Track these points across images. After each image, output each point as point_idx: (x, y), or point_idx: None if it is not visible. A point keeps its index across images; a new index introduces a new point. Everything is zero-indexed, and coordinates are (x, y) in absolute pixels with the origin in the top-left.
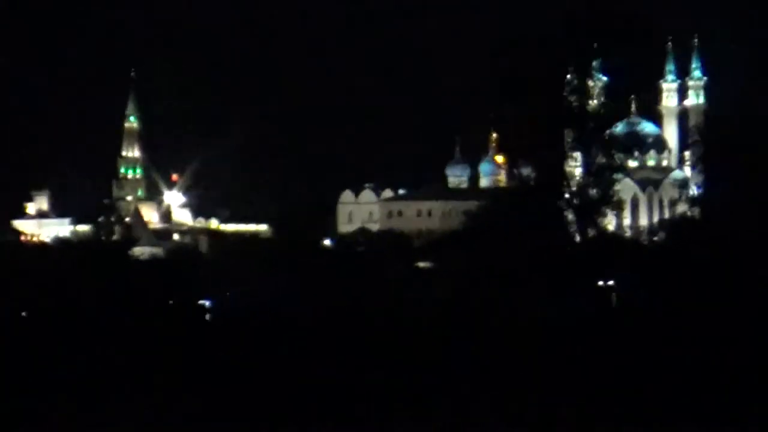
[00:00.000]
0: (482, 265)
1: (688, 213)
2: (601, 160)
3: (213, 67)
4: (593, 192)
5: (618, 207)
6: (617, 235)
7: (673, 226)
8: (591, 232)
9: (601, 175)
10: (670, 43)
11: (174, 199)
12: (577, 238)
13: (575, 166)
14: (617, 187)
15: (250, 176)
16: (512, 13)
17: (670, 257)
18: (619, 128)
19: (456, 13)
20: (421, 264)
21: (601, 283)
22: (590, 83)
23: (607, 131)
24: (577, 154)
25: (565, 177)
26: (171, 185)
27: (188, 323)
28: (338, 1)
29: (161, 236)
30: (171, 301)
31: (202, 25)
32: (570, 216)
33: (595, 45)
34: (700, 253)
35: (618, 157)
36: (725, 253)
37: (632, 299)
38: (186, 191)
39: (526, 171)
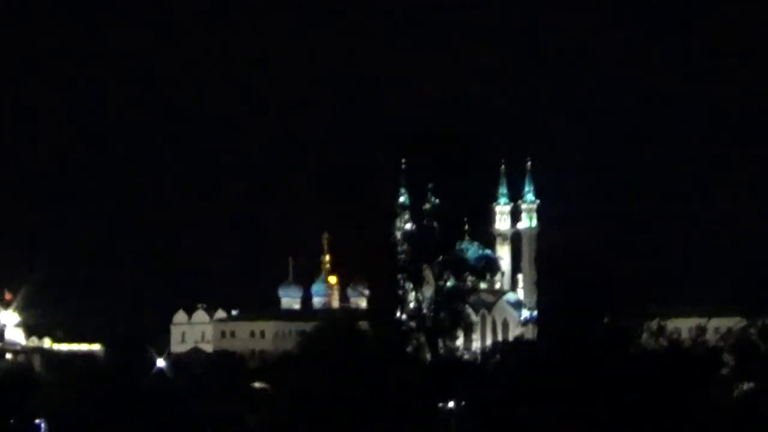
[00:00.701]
0: (316, 390)
1: (522, 335)
2: (449, 284)
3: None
4: (443, 315)
5: (469, 329)
6: (455, 359)
7: (509, 348)
8: (440, 354)
9: (452, 299)
10: (503, 167)
11: (9, 318)
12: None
13: (410, 290)
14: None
15: (84, 296)
16: (343, 137)
17: (508, 380)
18: (453, 251)
19: (288, 137)
20: (257, 385)
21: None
22: (425, 206)
23: (443, 256)
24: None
25: (400, 300)
26: (5, 303)
27: None
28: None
29: None
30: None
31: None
32: (416, 339)
33: (428, 169)
34: (536, 374)
35: (471, 280)
36: (560, 372)
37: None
38: (21, 310)
39: (358, 295)
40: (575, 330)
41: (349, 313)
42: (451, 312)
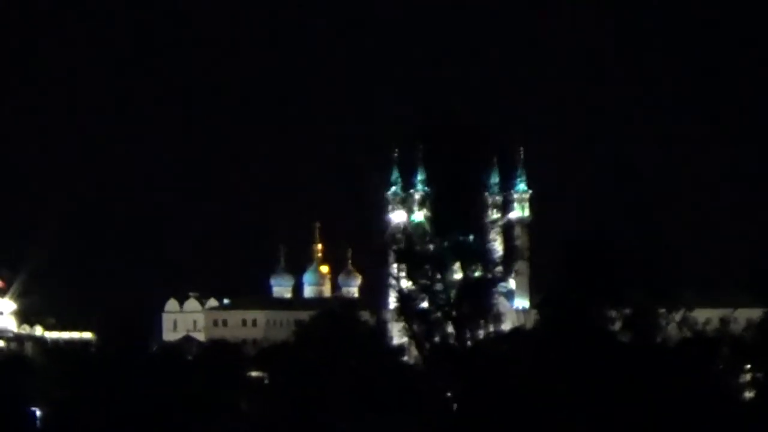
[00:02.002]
0: (313, 379)
1: (523, 325)
2: (474, 273)
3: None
4: (467, 306)
5: (497, 319)
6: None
7: (504, 338)
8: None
9: (478, 289)
10: (494, 156)
11: (5, 306)
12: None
13: (401, 277)
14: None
15: (75, 284)
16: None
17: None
18: (446, 241)
19: (285, 124)
20: (253, 374)
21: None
22: (416, 195)
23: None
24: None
25: (426, 289)
26: (2, 292)
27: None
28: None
29: None
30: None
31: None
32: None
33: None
34: (552, 365)
35: (498, 271)
36: (578, 364)
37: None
38: (17, 298)
39: (349, 285)
40: (593, 320)
41: (345, 302)
42: (476, 303)
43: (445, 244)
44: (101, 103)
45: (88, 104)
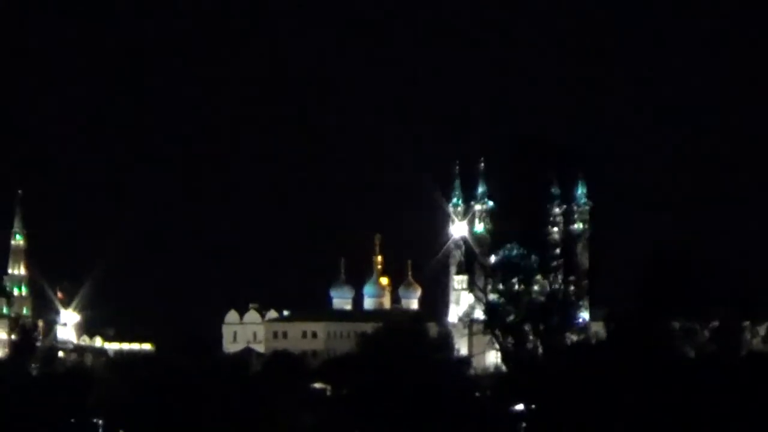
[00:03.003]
0: (377, 391)
1: (587, 337)
2: (555, 286)
3: (97, 187)
4: (556, 317)
5: (584, 331)
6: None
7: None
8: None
9: (561, 302)
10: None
11: (69, 317)
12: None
13: (461, 289)
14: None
15: (135, 295)
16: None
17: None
18: (507, 253)
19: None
20: (317, 385)
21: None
22: (477, 207)
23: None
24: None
25: (514, 302)
26: (63, 304)
27: None
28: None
29: (47, 354)
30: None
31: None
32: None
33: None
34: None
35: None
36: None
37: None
38: (81, 310)
39: (409, 297)
40: (671, 334)
41: (410, 315)
42: (564, 316)
43: (533, 258)
44: (169, 124)
45: (155, 126)
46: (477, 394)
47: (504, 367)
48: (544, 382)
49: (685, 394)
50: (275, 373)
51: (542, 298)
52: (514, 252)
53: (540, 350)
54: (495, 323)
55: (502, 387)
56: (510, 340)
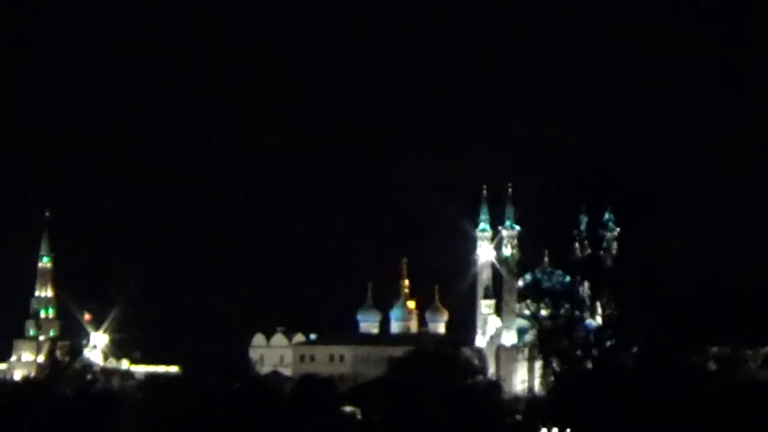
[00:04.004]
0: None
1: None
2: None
3: (124, 209)
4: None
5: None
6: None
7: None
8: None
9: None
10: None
11: (100, 339)
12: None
13: (489, 313)
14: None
15: (161, 318)
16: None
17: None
18: (532, 277)
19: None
20: (347, 409)
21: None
22: (504, 233)
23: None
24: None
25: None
26: (92, 326)
27: None
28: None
29: (72, 377)
30: None
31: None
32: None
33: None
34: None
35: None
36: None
37: None
38: (111, 332)
39: (436, 321)
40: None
41: (436, 339)
42: (619, 340)
43: (585, 284)
44: (197, 148)
45: (182, 150)
46: (509, 418)
47: (541, 391)
48: (591, 406)
49: (737, 422)
50: (306, 396)
51: (593, 323)
52: (566, 278)
53: (592, 375)
54: (549, 348)
55: (538, 410)
56: (559, 365)
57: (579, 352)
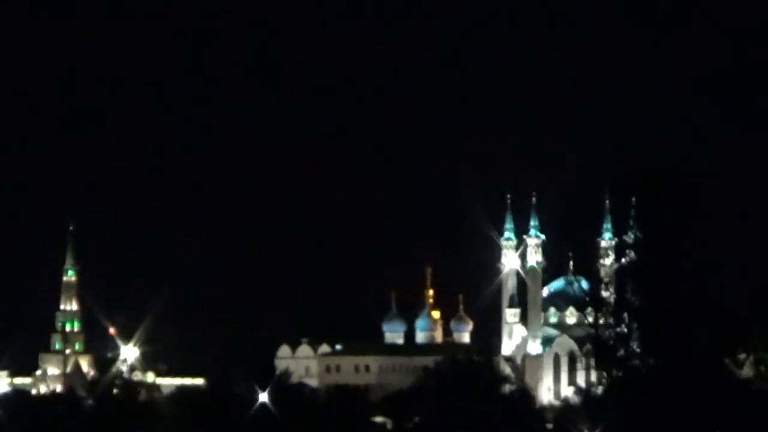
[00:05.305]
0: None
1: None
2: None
3: (147, 221)
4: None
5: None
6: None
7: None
8: None
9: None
10: (607, 201)
11: (130, 353)
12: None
13: (514, 322)
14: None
15: (187, 330)
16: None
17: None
18: (557, 285)
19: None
20: (378, 419)
21: None
22: (529, 241)
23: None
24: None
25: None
26: (120, 339)
27: None
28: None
29: (98, 389)
30: None
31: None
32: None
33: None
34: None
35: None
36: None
37: None
38: (141, 345)
39: (461, 330)
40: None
41: (462, 349)
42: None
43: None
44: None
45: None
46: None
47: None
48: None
49: None
50: (337, 406)
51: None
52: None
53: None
54: (606, 358)
55: (572, 418)
56: (617, 373)
57: (636, 362)
